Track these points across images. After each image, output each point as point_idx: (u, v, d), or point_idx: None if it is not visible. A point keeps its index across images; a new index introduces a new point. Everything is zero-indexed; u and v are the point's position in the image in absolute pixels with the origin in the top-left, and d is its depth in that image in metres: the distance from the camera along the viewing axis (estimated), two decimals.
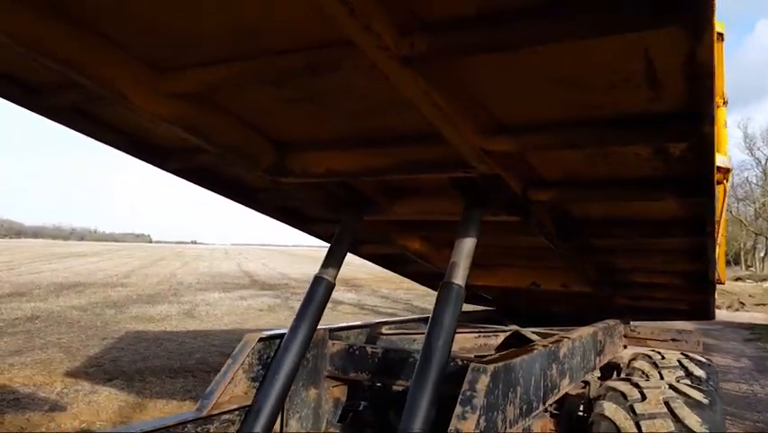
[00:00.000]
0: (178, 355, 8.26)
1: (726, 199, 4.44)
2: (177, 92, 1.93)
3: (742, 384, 8.34)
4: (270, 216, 3.61)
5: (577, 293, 4.23)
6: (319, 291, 2.54)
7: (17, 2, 1.53)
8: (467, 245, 2.30)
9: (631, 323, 4.75)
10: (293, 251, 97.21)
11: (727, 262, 47.42)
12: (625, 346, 4.56)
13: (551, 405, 2.52)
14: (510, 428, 1.99)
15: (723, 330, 15.71)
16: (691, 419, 2.22)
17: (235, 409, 2.23)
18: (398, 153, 2.21)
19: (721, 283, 5.34)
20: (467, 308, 5.19)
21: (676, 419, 2.23)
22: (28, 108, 2.22)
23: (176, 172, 2.88)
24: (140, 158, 2.70)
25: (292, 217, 3.63)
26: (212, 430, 2.14)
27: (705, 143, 1.79)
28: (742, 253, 46.23)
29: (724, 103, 4.68)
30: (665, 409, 2.27)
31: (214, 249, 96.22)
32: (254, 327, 11.64)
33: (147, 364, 7.47)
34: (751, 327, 16.11)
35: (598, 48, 1.43)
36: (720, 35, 4.18)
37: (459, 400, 1.81)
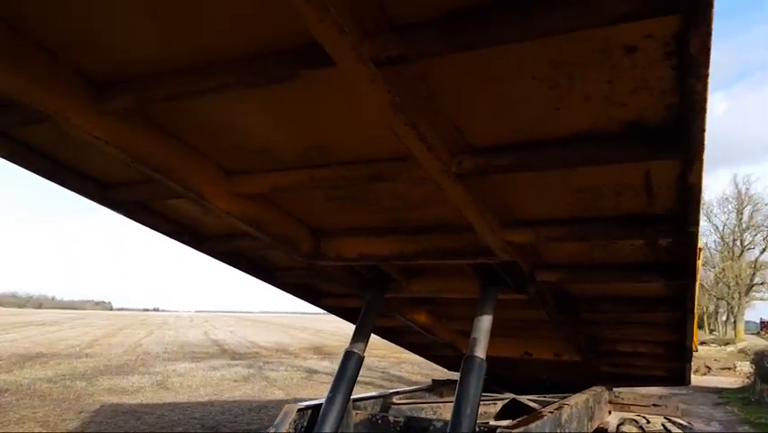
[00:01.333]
0: (159, 429, 8.10)
1: (699, 275, 4.87)
2: (244, 193, 2.24)
3: None
4: (286, 291, 3.85)
5: (567, 362, 4.54)
6: (351, 364, 2.79)
7: (134, 126, 1.85)
8: (485, 321, 2.62)
9: (614, 389, 5.05)
10: (259, 317, 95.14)
11: None
12: (609, 412, 4.83)
13: None
14: None
15: (693, 394, 16.07)
16: None
17: None
18: (428, 241, 2.55)
19: (695, 351, 5.73)
20: (453, 376, 5.43)
21: None
22: (98, 202, 2.49)
23: (208, 252, 3.14)
24: (181, 241, 2.96)
25: (307, 293, 3.88)
26: None
27: (692, 239, 2.18)
28: (705, 318, 47.53)
29: None
30: None
31: (179, 316, 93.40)
32: (231, 399, 11.45)
33: None
34: (719, 391, 16.53)
35: (612, 170, 1.82)
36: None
37: None
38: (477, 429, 2.35)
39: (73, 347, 22.47)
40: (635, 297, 3.19)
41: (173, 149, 2.04)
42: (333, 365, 19.37)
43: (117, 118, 1.82)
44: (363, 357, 2.87)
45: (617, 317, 3.55)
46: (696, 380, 21.17)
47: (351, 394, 2.74)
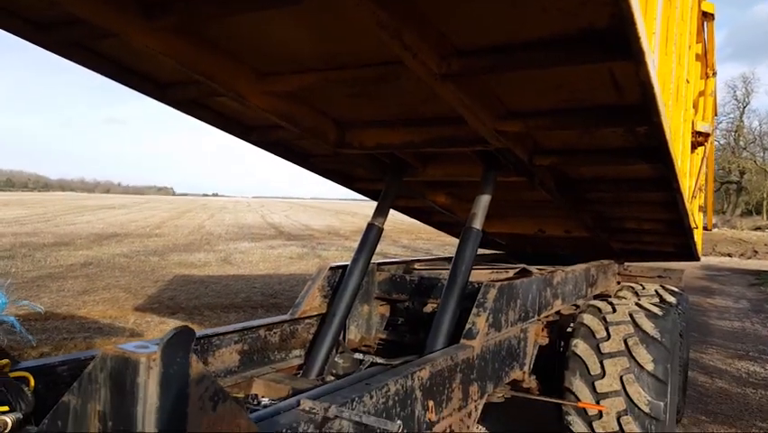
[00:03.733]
0: (225, 295, 9.28)
1: (707, 158, 5.07)
2: (276, 91, 2.69)
3: (735, 322, 9.13)
4: (322, 176, 4.39)
5: (578, 238, 5.01)
6: (372, 234, 3.36)
7: (182, 38, 2.28)
8: (484, 200, 3.08)
9: (625, 264, 5.52)
10: (312, 203, 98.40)
11: (749, 212, 47.44)
12: (618, 282, 5.34)
13: (545, 317, 3.33)
14: (510, 327, 2.82)
15: (730, 276, 16.42)
16: (647, 325, 3.03)
17: (314, 316, 3.10)
18: (433, 131, 2.96)
19: (708, 230, 6.06)
20: (483, 252, 6.00)
21: (636, 325, 3.04)
22: (157, 99, 3.00)
23: (254, 143, 3.66)
24: (231, 133, 3.48)
25: (340, 177, 4.41)
26: (299, 329, 3.01)
27: (659, 128, 2.51)
28: (765, 204, 46.11)
29: (713, 74, 5.25)
30: (629, 319, 3.08)
31: (237, 201, 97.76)
32: (287, 273, 12.65)
33: (201, 302, 8.49)
34: (758, 273, 16.77)
35: (581, 69, 2.16)
36: (711, 15, 4.74)
37: (474, 305, 2.62)
38: (469, 286, 2.90)
39: (143, 228, 24.57)
40: (629, 178, 3.54)
41: (215, 56, 2.48)
42: (381, 247, 20.51)
43: (169, 32, 2.26)
44: (383, 229, 3.43)
45: (615, 196, 3.93)
46: (739, 263, 21.42)
47: (371, 258, 3.34)
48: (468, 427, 2.45)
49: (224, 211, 46.49)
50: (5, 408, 1.36)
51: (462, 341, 2.51)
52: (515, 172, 3.32)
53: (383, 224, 3.46)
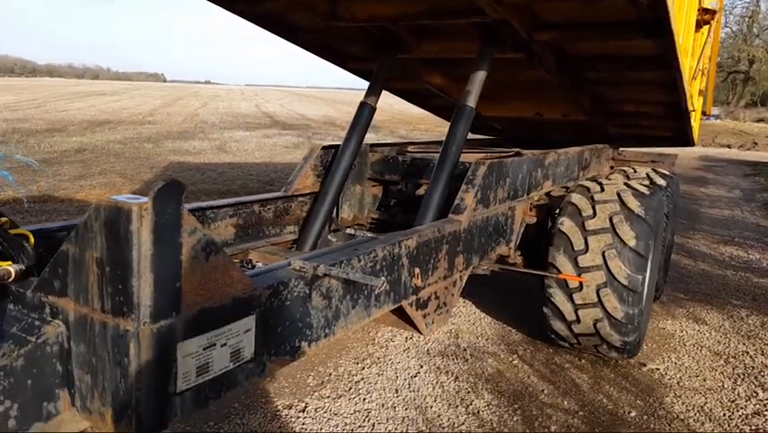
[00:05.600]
0: (221, 182, 9.35)
1: (712, 39, 4.90)
2: None
3: (725, 210, 9.33)
4: (311, 52, 4.24)
5: (575, 122, 4.97)
6: (364, 114, 3.32)
7: None
8: (479, 77, 3.01)
9: (620, 149, 5.53)
10: (308, 92, 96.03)
11: (753, 103, 46.67)
12: (612, 167, 5.37)
13: (534, 197, 3.40)
14: (498, 204, 2.89)
15: (726, 167, 16.53)
16: (633, 204, 3.10)
17: (307, 194, 3.15)
18: (429, 2, 2.83)
19: (706, 115, 6.00)
20: (478, 137, 5.97)
21: (622, 203, 3.12)
22: None
23: (240, 14, 3.50)
24: (214, 1, 3.31)
25: (330, 54, 4.27)
26: (293, 206, 3.07)
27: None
28: None
29: None
30: (616, 198, 3.15)
31: (230, 89, 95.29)
32: (283, 162, 12.65)
33: (198, 188, 8.58)
34: (755, 165, 16.88)
35: None
36: None
37: (463, 181, 2.66)
38: (460, 166, 2.92)
39: (135, 116, 24.15)
40: (629, 55, 3.44)
41: None
42: (378, 137, 20.40)
43: None
44: (375, 108, 3.39)
45: (614, 76, 3.84)
46: (738, 154, 21.45)
47: (363, 138, 3.33)
48: (452, 294, 2.59)
49: (216, 99, 45.47)
50: (8, 262, 1.42)
51: (450, 216, 2.58)
52: (512, 49, 3.22)
53: (376, 103, 3.41)
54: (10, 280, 1.33)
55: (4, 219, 1.54)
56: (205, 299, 1.33)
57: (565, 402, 3.06)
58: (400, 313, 2.37)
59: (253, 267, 2.30)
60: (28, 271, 1.40)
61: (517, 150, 4.62)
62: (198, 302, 1.31)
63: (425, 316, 2.41)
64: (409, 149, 4.28)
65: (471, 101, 2.97)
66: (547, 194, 3.61)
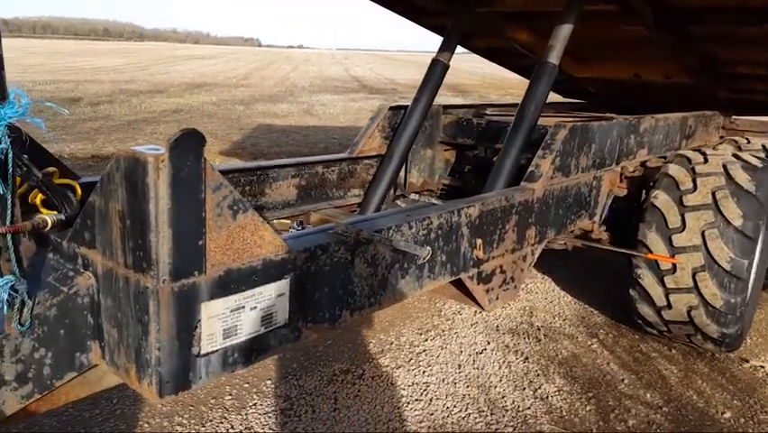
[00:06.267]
0: (304, 144, 9.46)
1: None
2: None
3: None
4: (386, 8, 4.04)
5: (679, 85, 4.45)
6: (436, 71, 3.12)
7: None
8: (565, 30, 2.71)
9: (732, 117, 4.91)
10: (397, 56, 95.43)
11: None
12: (722, 137, 4.79)
13: (626, 167, 3.06)
14: (581, 173, 2.61)
15: None
16: (741, 177, 2.69)
17: (373, 157, 3.03)
18: None
19: None
20: (565, 101, 5.55)
21: (728, 177, 2.72)
22: None
23: None
24: None
25: (401, 7, 4.03)
26: (358, 168, 2.97)
27: None
28: None
29: None
30: (721, 170, 2.74)
31: (321, 53, 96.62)
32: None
33: (281, 150, 8.73)
34: None
35: None
36: None
37: (540, 146, 2.42)
38: (541, 130, 2.66)
39: (230, 79, 25.04)
40: (740, 7, 2.97)
41: None
42: (466, 101, 19.88)
43: None
44: (448, 66, 3.17)
45: (724, 31, 3.34)
46: None
47: (434, 97, 3.13)
48: (522, 269, 2.39)
49: (307, 63, 46.20)
50: (53, 212, 1.42)
51: (523, 183, 2.36)
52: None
53: (449, 60, 3.19)
54: (46, 228, 1.31)
55: (52, 169, 1.53)
56: (233, 259, 1.25)
57: (648, 395, 2.79)
58: (461, 286, 2.21)
59: (304, 228, 2.23)
60: (69, 223, 1.39)
61: (611, 115, 4.22)
62: (225, 262, 1.23)
63: (487, 291, 2.23)
64: (487, 111, 4.02)
65: (554, 57, 2.69)
66: (642, 164, 3.25)
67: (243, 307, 1.30)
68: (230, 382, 2.58)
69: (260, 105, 15.44)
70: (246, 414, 2.37)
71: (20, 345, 1.21)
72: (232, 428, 2.27)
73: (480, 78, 29.72)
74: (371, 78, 31.82)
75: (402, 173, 3.24)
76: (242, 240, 1.26)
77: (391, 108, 3.09)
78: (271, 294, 1.35)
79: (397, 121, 3.14)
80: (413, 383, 2.72)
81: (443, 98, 3.17)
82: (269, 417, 2.37)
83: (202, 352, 1.24)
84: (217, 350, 1.27)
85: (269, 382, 2.63)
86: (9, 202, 1.18)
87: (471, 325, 3.39)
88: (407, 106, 3.12)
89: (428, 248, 1.46)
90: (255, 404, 2.45)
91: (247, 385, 2.58)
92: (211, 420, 2.30)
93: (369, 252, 1.58)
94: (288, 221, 2.48)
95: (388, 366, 2.85)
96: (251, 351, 1.35)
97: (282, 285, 1.37)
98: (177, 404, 2.38)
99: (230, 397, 2.48)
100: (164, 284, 1.13)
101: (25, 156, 1.44)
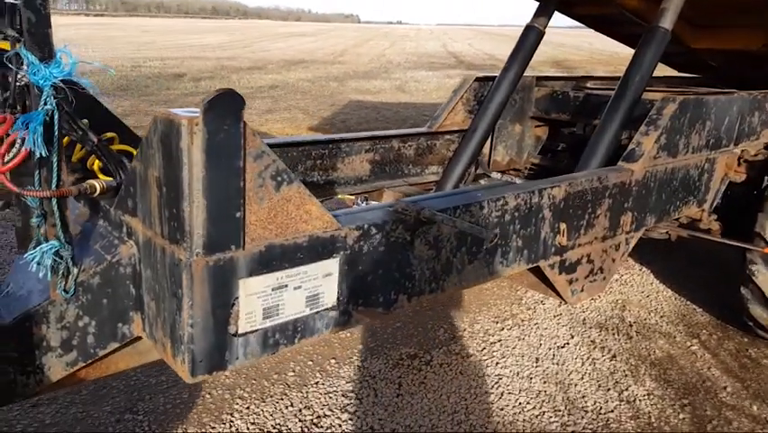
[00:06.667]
0: (394, 121, 9.35)
1: None
2: None
3: None
4: None
5: None
6: (530, 38, 2.85)
7: None
8: None
9: None
10: (499, 30, 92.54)
11: None
12: None
13: (747, 150, 2.65)
14: (691, 154, 2.27)
15: None
16: None
17: (455, 132, 2.83)
18: None
19: None
20: (678, 75, 5.00)
21: None
22: None
23: None
24: None
25: None
26: (437, 144, 2.79)
27: None
28: None
29: None
30: None
31: (419, 29, 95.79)
32: None
33: (370, 126, 8.69)
34: None
35: None
36: None
37: (644, 122, 2.12)
38: (647, 104, 2.34)
39: (328, 56, 25.40)
40: None
41: None
42: None
43: None
44: (543, 33, 2.88)
45: None
46: None
47: (526, 67, 2.86)
48: (613, 259, 2.13)
49: (405, 39, 45.90)
50: (109, 178, 1.40)
51: (620, 163, 2.09)
52: None
53: (545, 27, 2.90)
54: (95, 194, 1.28)
55: (111, 134, 1.51)
56: (275, 234, 1.15)
57: (755, 407, 2.44)
58: (541, 275, 2.00)
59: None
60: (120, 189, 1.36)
61: (731, 90, 3.71)
62: (266, 237, 1.14)
63: (570, 281, 2.01)
64: (588, 84, 3.67)
65: (667, 22, 2.35)
66: (766, 147, 2.82)
67: (286, 286, 1.20)
68: (294, 358, 2.55)
69: (354, 81, 15.50)
70: (307, 392, 2.32)
71: (65, 311, 1.20)
72: (291, 405, 2.23)
73: (587, 53, 28.05)
74: (470, 53, 31.03)
75: (486, 150, 3.03)
76: (285, 214, 1.15)
77: (477, 79, 2.88)
78: (318, 273, 1.24)
79: (484, 93, 2.92)
80: (484, 375, 2.55)
81: (545, 74, 2.92)
82: (330, 397, 2.31)
83: (240, 331, 1.16)
84: (257, 330, 1.18)
85: (333, 361, 2.57)
86: (55, 166, 1.14)
87: (555, 316, 3.15)
88: (495, 77, 2.89)
89: (495, 231, 1.28)
90: (317, 383, 2.40)
91: (311, 363, 2.54)
92: (272, 396, 2.28)
93: (431, 232, 1.43)
94: (353, 196, 2.38)
95: (458, 354, 2.70)
96: (295, 333, 1.25)
97: (330, 264, 1.26)
98: (240, 376, 2.38)
99: (293, 373, 2.45)
100: (198, 257, 1.05)
101: (84, 121, 1.42)
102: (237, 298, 1.13)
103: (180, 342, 1.11)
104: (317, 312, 1.27)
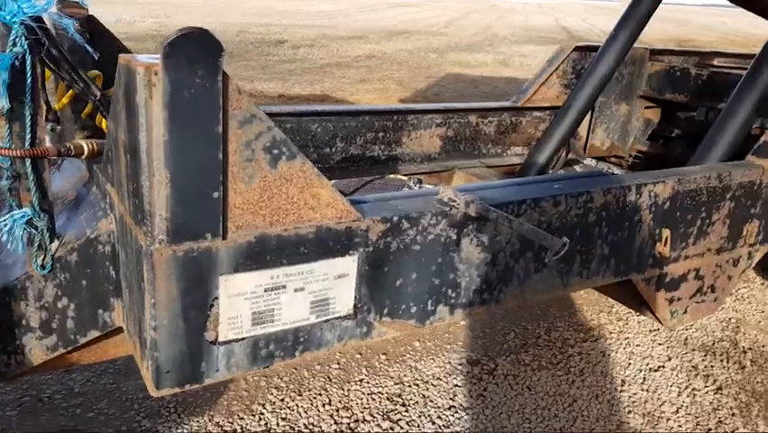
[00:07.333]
0: (492, 97, 8.83)
1: None
2: None
3: None
4: None
5: None
6: (643, 4, 2.36)
7: None
8: None
9: None
10: (617, 6, 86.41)
11: None
12: None
13: None
14: None
15: None
16: None
17: (546, 108, 2.44)
18: None
19: None
20: None
21: None
22: None
23: None
24: None
25: None
26: (524, 122, 2.42)
27: None
28: None
29: None
30: None
31: (527, 2, 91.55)
32: None
33: (465, 100, 8.25)
34: None
35: None
36: None
37: None
38: None
39: (431, 27, 24.78)
40: None
41: None
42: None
43: None
44: None
45: None
46: None
47: (637, 37, 2.38)
48: (729, 276, 1.70)
49: (513, 13, 43.94)
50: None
51: (749, 158, 1.64)
52: None
53: None
54: (83, 156, 1.10)
55: (95, 72, 1.32)
56: (270, 222, 0.90)
57: None
58: (633, 288, 1.62)
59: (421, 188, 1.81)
60: None
61: None
62: (256, 225, 0.89)
63: (671, 300, 1.61)
64: (714, 62, 3.09)
65: None
66: None
67: (284, 286, 0.95)
68: (341, 349, 2.33)
69: (454, 54, 14.95)
70: (348, 390, 2.10)
71: (43, 289, 1.03)
72: (329, 403, 2.02)
73: (719, 34, 25.34)
74: (582, 28, 29.10)
75: (583, 132, 2.61)
76: (284, 197, 0.90)
77: (577, 48, 2.46)
78: (327, 274, 0.98)
79: (584, 65, 2.49)
80: (556, 393, 2.20)
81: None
82: (373, 399, 2.07)
83: (220, 339, 0.93)
84: (243, 338, 0.95)
85: (383, 357, 2.33)
86: (28, 120, 0.96)
87: (650, 331, 2.70)
88: (599, 47, 2.45)
89: (565, 239, 0.95)
90: (361, 380, 2.17)
91: (358, 357, 2.31)
92: (310, 390, 2.08)
93: (485, 231, 1.12)
94: (405, 177, 2.08)
95: (528, 365, 2.35)
96: (296, 344, 1.01)
97: (346, 263, 0.99)
98: None
99: (337, 366, 2.23)
100: (160, 245, 0.82)
101: (95, 72, 1.24)
102: (216, 298, 0.90)
103: (144, 346, 0.91)
104: (326, 320, 1.02)
